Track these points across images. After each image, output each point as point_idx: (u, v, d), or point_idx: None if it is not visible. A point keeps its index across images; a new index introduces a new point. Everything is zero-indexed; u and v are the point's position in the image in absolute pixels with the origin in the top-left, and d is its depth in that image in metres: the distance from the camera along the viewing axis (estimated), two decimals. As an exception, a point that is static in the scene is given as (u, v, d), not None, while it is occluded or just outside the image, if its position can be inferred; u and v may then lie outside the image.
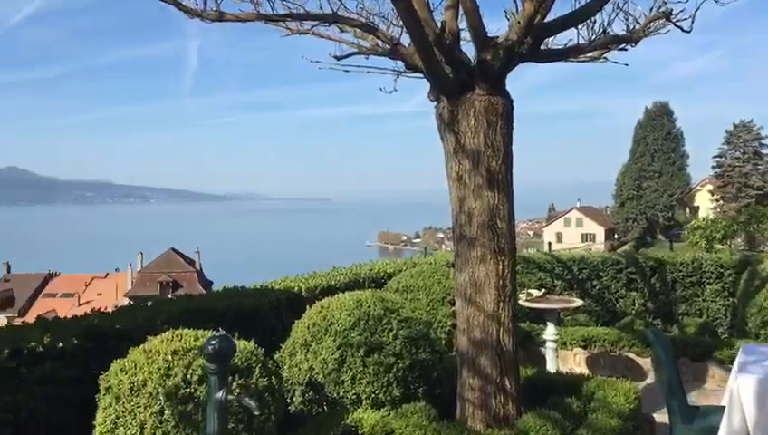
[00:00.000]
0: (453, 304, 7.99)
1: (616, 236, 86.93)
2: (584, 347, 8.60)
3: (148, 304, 5.99)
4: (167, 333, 4.63)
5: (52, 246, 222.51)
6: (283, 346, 5.92)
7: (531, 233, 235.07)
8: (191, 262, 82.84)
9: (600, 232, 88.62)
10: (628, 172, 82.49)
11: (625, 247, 73.44)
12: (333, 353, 5.49)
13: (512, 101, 5.36)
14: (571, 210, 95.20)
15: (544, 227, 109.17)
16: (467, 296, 5.35)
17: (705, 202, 78.46)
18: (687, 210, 79.42)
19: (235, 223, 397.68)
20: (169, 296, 6.50)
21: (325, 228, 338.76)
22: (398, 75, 6.33)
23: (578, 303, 7.99)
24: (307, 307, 6.16)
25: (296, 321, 6.08)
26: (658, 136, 79.99)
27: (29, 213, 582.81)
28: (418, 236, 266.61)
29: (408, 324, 5.80)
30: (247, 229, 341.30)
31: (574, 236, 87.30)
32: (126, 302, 75.96)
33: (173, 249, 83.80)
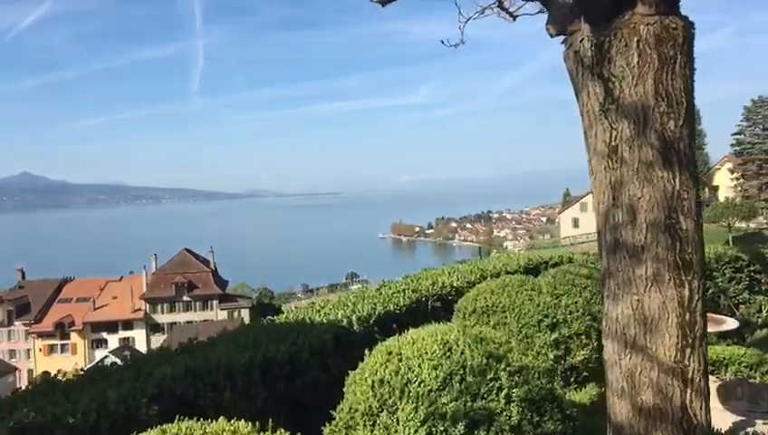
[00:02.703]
0: (552, 328, 6.06)
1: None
2: (712, 372, 6.60)
3: (127, 354, 4.03)
4: (153, 432, 2.69)
5: (66, 250, 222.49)
6: (336, 414, 3.99)
7: (544, 219, 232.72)
8: (205, 262, 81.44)
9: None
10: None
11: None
12: (417, 430, 3.55)
13: (692, 24, 3.36)
14: (587, 195, 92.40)
15: (559, 212, 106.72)
16: (630, 339, 3.39)
17: (724, 181, 76.34)
18: (707, 190, 77.16)
19: (247, 221, 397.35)
20: (175, 346, 4.45)
21: (338, 222, 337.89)
22: (486, 7, 4.33)
23: (732, 325, 5.92)
24: (366, 352, 4.20)
25: (350, 372, 4.15)
26: (674, 115, 77.63)
27: (42, 218, 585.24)
28: (431, 227, 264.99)
29: (525, 378, 3.83)
30: (260, 226, 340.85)
31: (591, 222, 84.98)
32: (142, 305, 74.91)
33: (187, 250, 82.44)
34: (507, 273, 7.43)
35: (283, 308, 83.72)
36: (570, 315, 5.89)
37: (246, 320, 75.00)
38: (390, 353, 4.02)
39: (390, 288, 6.59)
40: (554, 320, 5.89)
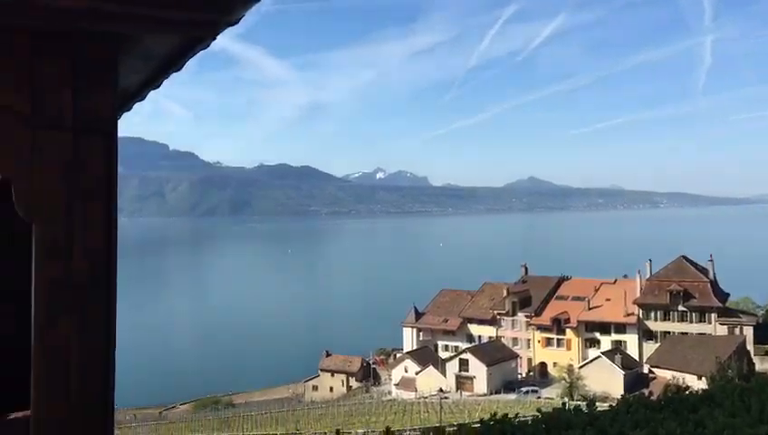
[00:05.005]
0: None
1: None
2: None
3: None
4: None
5: (564, 250, 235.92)
6: None
7: None
8: (704, 271, 75.99)
9: None
10: None
11: None
12: None
13: None
14: None
15: None
16: None
17: None
18: None
19: (752, 229, 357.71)
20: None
21: None
22: None
23: None
24: None
25: None
26: None
27: (546, 219, 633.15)
28: None
29: None
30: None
31: None
32: (635, 310, 74.01)
33: (684, 257, 78.39)
34: None
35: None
36: None
37: (750, 339, 67.25)
38: None
39: None
40: None
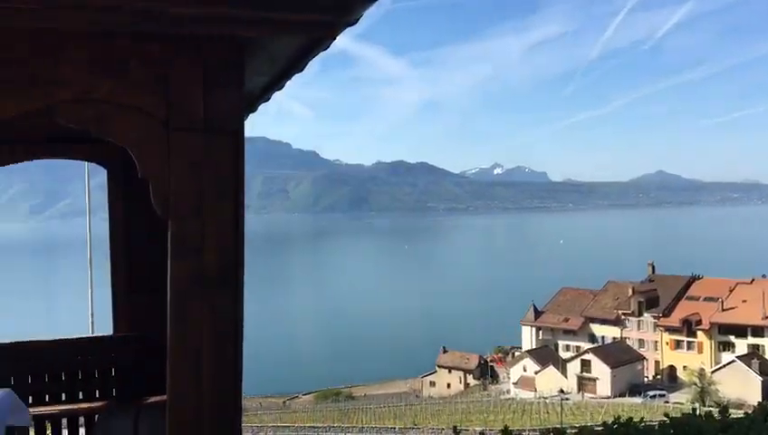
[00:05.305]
0: None
1: None
2: None
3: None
4: None
5: (695, 247, 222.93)
6: None
7: None
8: None
9: None
10: None
11: None
12: None
13: None
14: None
15: None
16: None
17: None
18: None
19: None
20: None
21: None
22: None
23: None
24: None
25: None
26: None
27: (675, 215, 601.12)
28: None
29: None
30: None
31: None
32: (775, 313, 68.92)
33: (832, 256, 72.28)
34: None
35: None
36: None
37: None
38: None
39: None
40: None
